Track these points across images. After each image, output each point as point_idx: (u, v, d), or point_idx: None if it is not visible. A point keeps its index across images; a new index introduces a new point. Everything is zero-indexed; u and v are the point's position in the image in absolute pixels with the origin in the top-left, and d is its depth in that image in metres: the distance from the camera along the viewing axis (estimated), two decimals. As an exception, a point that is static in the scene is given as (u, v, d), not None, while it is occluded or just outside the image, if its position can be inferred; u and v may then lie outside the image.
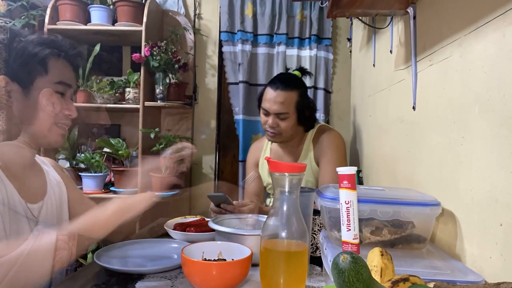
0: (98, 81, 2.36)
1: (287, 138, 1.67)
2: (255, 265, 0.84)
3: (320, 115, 2.52)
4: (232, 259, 0.93)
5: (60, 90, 0.98)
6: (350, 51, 2.50)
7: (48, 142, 1.00)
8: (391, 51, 1.46)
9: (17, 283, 0.80)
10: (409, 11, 1.19)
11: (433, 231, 0.92)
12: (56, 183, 1.09)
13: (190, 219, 1.38)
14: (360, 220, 0.78)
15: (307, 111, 1.65)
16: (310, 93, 2.51)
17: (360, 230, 0.84)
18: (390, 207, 0.84)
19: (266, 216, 0.83)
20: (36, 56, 0.95)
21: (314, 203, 0.99)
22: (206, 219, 1.36)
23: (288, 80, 1.64)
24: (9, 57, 0.94)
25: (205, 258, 0.95)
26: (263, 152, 1.84)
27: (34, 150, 1.02)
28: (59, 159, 2.34)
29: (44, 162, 1.12)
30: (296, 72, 1.75)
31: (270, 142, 1.81)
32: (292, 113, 1.60)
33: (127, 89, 2.33)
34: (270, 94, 1.60)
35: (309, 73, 1.82)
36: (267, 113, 1.62)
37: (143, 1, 2.33)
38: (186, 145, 1.28)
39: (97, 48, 2.31)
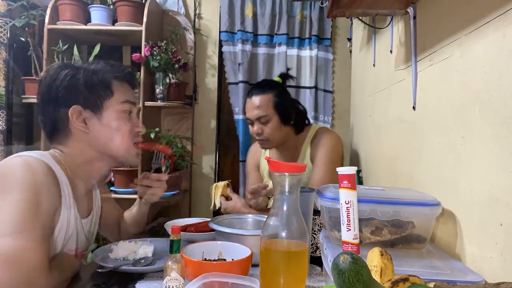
0: (98, 81, 2.35)
1: (277, 143, 1.66)
2: (255, 265, 0.84)
3: (323, 117, 2.52)
4: (232, 259, 0.93)
5: (127, 108, 1.04)
6: (350, 51, 2.50)
7: (126, 160, 1.07)
8: (391, 51, 1.46)
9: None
10: (409, 11, 1.19)
11: (433, 231, 0.92)
12: (98, 200, 1.15)
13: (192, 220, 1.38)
14: (360, 220, 0.78)
15: (289, 110, 1.64)
16: (311, 94, 2.51)
17: (360, 230, 0.84)
18: (390, 207, 0.84)
19: (266, 216, 0.83)
20: (102, 82, 1.02)
21: (314, 203, 0.99)
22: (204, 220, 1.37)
23: (260, 85, 1.69)
24: (78, 87, 1.00)
25: (205, 258, 0.95)
26: (262, 153, 1.84)
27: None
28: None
29: None
30: (277, 78, 1.77)
31: None
32: (272, 115, 1.60)
33: (127, 89, 2.33)
34: (248, 103, 1.65)
35: (291, 77, 1.84)
36: (251, 122, 1.66)
37: (143, 1, 2.32)
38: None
39: (97, 48, 2.30)
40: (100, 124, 1.01)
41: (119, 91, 1.03)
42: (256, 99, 1.61)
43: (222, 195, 1.55)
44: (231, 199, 1.54)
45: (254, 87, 1.70)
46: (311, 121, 2.47)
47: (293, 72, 2.49)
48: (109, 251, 1.08)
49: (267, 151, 1.82)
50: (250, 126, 1.68)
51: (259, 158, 1.85)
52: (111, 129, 1.01)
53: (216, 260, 0.94)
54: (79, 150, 1.01)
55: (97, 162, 1.03)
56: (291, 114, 1.65)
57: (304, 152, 1.71)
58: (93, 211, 1.10)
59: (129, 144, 1.04)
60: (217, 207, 1.56)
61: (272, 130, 1.61)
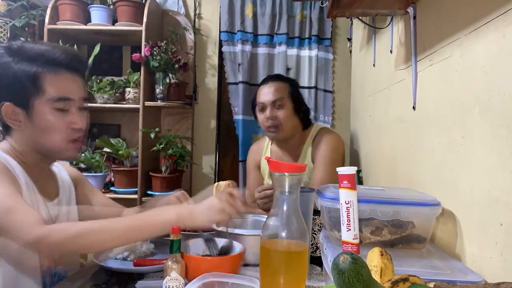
0: (98, 81, 2.35)
1: (288, 132, 1.68)
2: (255, 265, 0.85)
3: (323, 117, 2.52)
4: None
5: (60, 107, 0.94)
6: (350, 51, 2.49)
7: (62, 158, 1.02)
8: (391, 51, 1.46)
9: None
10: (409, 11, 1.19)
11: (433, 231, 0.92)
12: (66, 182, 1.12)
13: None
14: (360, 220, 0.78)
15: (301, 103, 1.72)
16: (310, 94, 2.51)
17: (360, 230, 0.84)
18: (390, 207, 0.84)
19: (266, 216, 0.83)
20: (26, 76, 0.91)
21: (314, 203, 0.99)
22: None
23: (276, 75, 1.82)
24: (8, 83, 0.91)
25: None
26: (263, 153, 1.84)
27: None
28: (59, 159, 2.34)
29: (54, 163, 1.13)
30: None
31: (270, 143, 1.82)
32: (287, 100, 1.66)
33: (127, 89, 2.33)
34: (263, 89, 1.70)
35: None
36: (263, 107, 1.67)
37: (143, 1, 2.32)
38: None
39: (97, 48, 2.30)
40: (30, 123, 0.93)
41: (52, 87, 0.92)
42: (273, 84, 1.68)
43: None
44: None
45: (269, 76, 1.81)
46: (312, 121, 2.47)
47: (293, 72, 2.50)
48: (109, 251, 1.08)
49: (268, 150, 1.82)
50: (260, 114, 1.70)
51: (260, 158, 1.86)
52: (41, 129, 0.94)
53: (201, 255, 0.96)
54: (22, 142, 0.96)
55: (42, 152, 0.98)
56: (302, 106, 1.71)
57: (305, 152, 1.72)
58: (60, 196, 1.07)
59: (63, 143, 0.96)
60: None
61: (285, 116, 1.65)
